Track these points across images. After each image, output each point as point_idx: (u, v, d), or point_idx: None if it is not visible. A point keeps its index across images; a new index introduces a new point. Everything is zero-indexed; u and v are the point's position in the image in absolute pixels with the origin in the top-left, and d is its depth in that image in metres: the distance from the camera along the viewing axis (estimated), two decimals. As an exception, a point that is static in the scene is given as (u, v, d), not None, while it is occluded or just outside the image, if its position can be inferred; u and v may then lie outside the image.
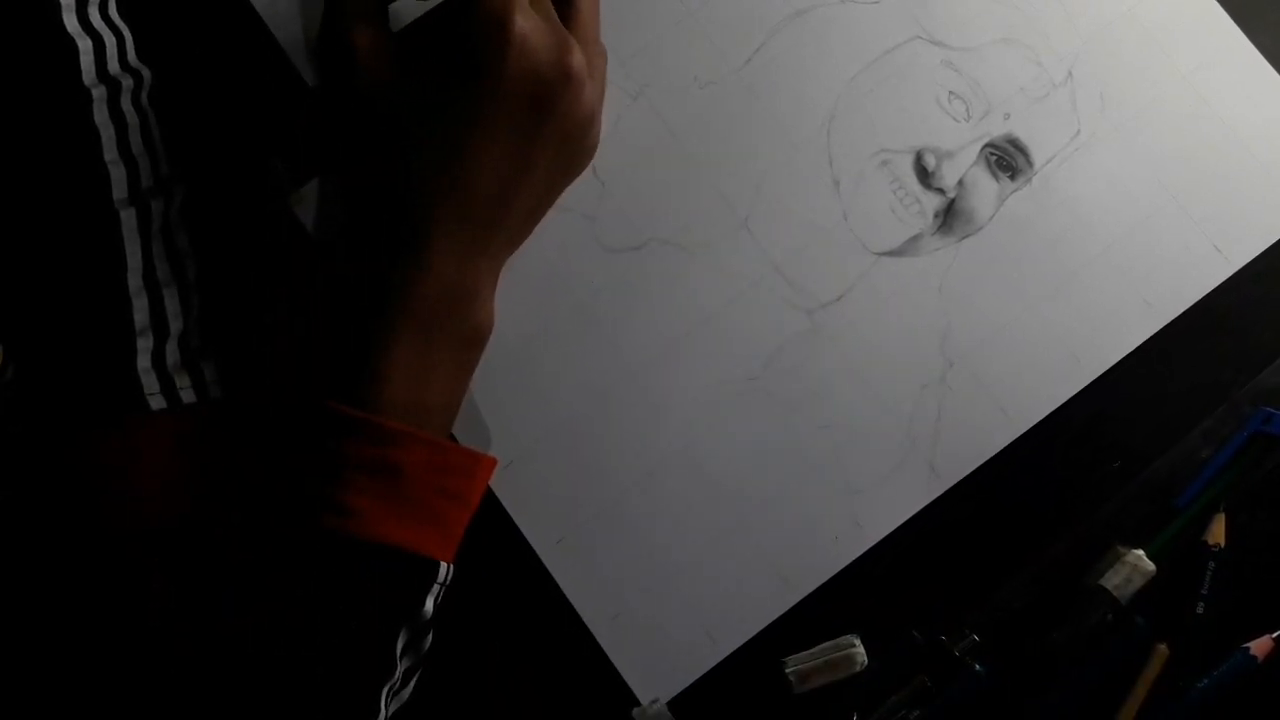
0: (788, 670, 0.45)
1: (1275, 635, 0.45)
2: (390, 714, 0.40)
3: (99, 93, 0.43)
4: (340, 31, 0.44)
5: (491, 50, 0.41)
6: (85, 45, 0.43)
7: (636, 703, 0.45)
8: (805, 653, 0.45)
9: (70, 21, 0.43)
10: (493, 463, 0.43)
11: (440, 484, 0.40)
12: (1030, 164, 0.48)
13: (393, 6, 0.46)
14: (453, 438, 0.44)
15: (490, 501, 0.46)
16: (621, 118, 0.49)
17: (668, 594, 0.45)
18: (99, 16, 0.44)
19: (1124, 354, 0.47)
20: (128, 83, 0.44)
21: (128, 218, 0.42)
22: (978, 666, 0.45)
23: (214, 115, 0.48)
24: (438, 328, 0.41)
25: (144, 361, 0.41)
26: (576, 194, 0.48)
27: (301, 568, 0.38)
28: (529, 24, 0.42)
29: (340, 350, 0.41)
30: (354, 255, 0.43)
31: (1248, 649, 0.45)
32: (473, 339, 0.43)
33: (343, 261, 0.43)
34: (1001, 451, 0.47)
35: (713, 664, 0.45)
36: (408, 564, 0.39)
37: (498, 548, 0.46)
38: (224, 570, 0.39)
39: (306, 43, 0.49)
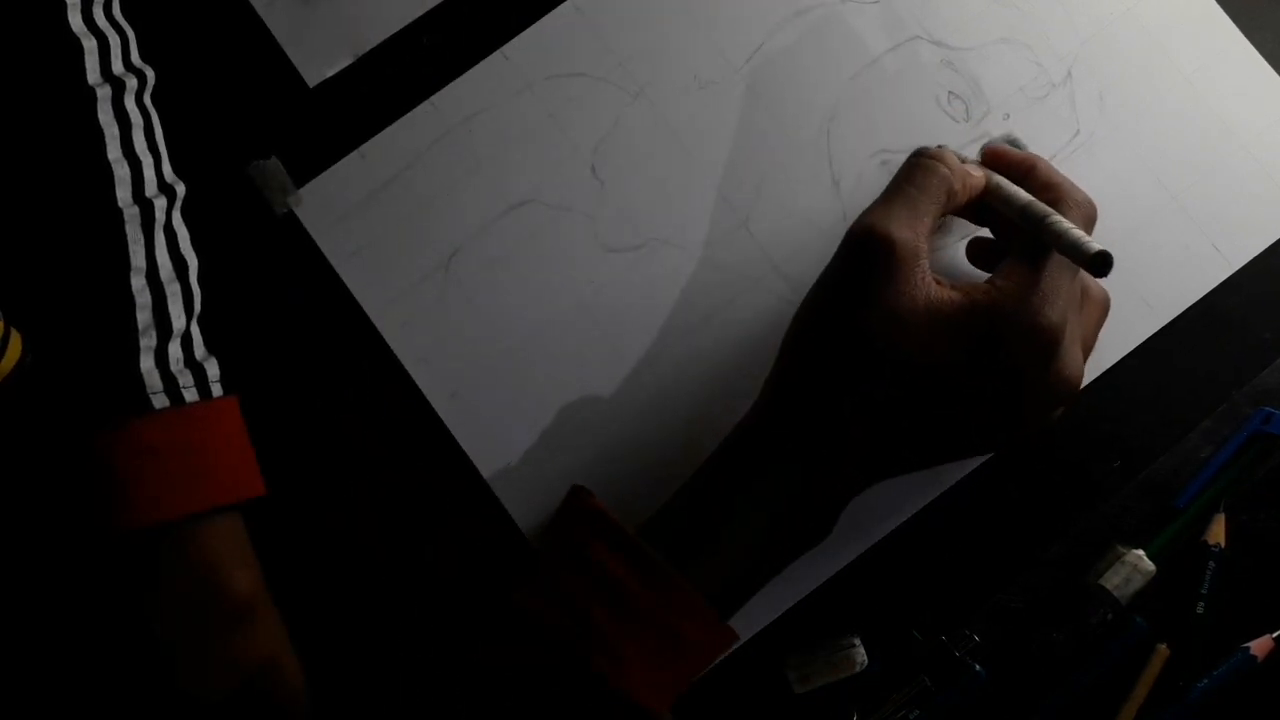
0: (788, 670, 0.45)
1: (1275, 635, 0.45)
2: None
3: (103, 92, 0.43)
4: (881, 223, 0.41)
5: (1031, 366, 0.40)
6: (90, 45, 0.43)
7: None
8: (805, 653, 0.45)
9: (75, 21, 0.43)
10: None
11: (702, 663, 0.41)
12: (1030, 164, 0.48)
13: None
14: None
15: (492, 504, 0.47)
16: (621, 118, 0.49)
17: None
18: (103, 16, 0.44)
19: (1124, 354, 0.47)
20: (131, 82, 0.44)
21: (131, 217, 0.42)
22: (978, 667, 0.45)
23: (214, 115, 0.48)
24: (789, 534, 0.42)
25: (147, 361, 0.41)
26: (576, 194, 0.48)
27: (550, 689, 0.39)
28: (1075, 352, 0.41)
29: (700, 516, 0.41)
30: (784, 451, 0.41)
31: (1248, 649, 0.45)
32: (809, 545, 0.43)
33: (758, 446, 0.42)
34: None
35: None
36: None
37: (500, 551, 0.46)
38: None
39: (308, 51, 0.49)
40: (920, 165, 0.43)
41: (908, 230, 0.40)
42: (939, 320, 0.40)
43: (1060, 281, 0.40)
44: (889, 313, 0.40)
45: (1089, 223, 0.43)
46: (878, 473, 0.42)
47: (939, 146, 0.44)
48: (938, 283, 0.40)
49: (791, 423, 0.41)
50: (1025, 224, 0.42)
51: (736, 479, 0.41)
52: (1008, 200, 0.43)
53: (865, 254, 0.40)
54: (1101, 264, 0.38)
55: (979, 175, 0.44)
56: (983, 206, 0.44)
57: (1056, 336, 0.40)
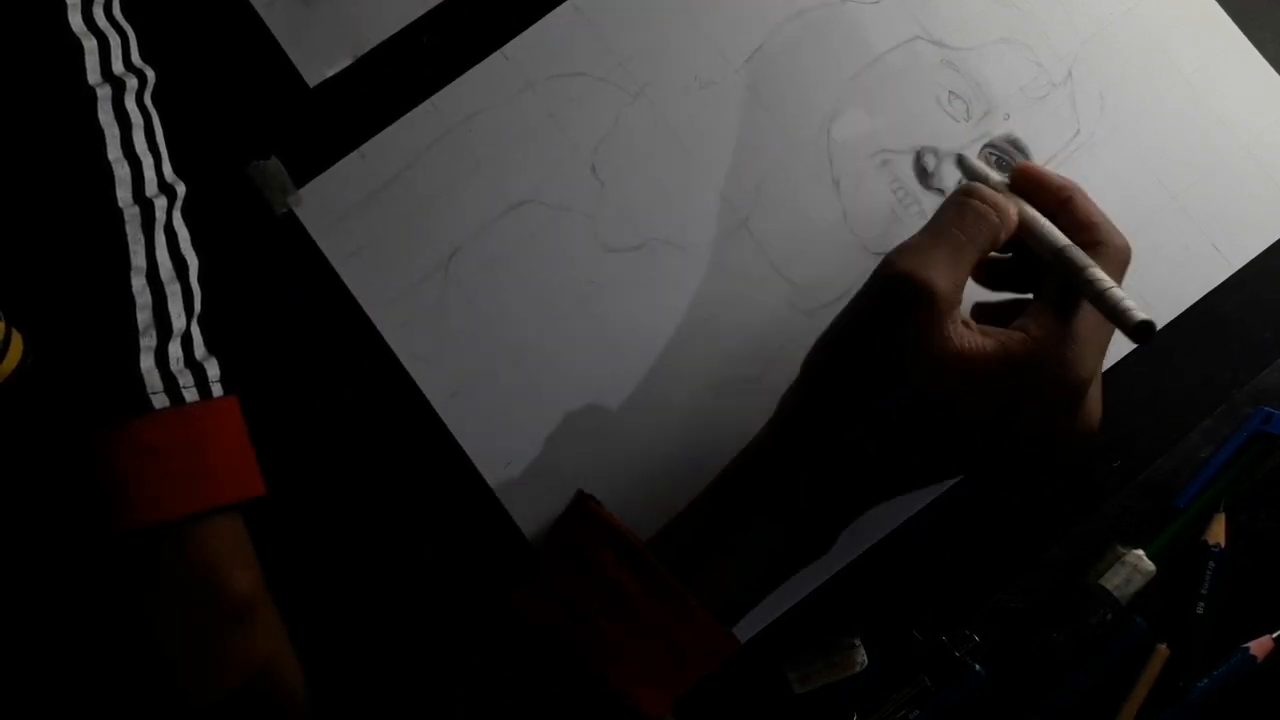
0: (788, 670, 0.45)
1: (1275, 635, 0.45)
2: None
3: (103, 92, 0.43)
4: (922, 270, 0.39)
5: (1061, 419, 0.39)
6: (90, 45, 0.43)
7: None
8: (805, 653, 0.45)
9: (75, 21, 0.43)
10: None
11: (702, 669, 0.40)
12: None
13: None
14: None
15: (492, 504, 0.47)
16: (621, 117, 0.49)
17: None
18: (103, 16, 0.44)
19: (1124, 354, 0.47)
20: (132, 82, 0.44)
21: (131, 217, 0.42)
22: (978, 667, 0.45)
23: (214, 115, 0.48)
24: (796, 551, 0.42)
25: (147, 361, 0.41)
26: (576, 194, 0.48)
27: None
28: (1097, 394, 0.40)
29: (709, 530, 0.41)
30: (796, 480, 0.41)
31: (1248, 649, 0.45)
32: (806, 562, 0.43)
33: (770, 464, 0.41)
34: (1001, 451, 0.47)
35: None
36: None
37: (500, 551, 0.46)
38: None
39: (311, 51, 0.49)
40: (972, 209, 0.41)
41: (950, 280, 0.39)
42: (972, 371, 0.38)
43: (1096, 330, 0.39)
44: (923, 360, 0.38)
45: (1122, 269, 0.41)
46: (889, 497, 0.41)
47: (978, 187, 0.42)
48: (966, 327, 0.39)
49: (808, 451, 0.40)
50: (1059, 270, 0.40)
51: (749, 498, 0.41)
52: (1041, 241, 0.40)
53: (904, 299, 0.39)
54: (1145, 335, 0.36)
55: (1013, 214, 0.41)
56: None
57: (1086, 387, 0.39)
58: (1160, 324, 0.48)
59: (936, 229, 0.41)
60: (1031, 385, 0.38)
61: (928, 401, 0.39)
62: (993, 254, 0.43)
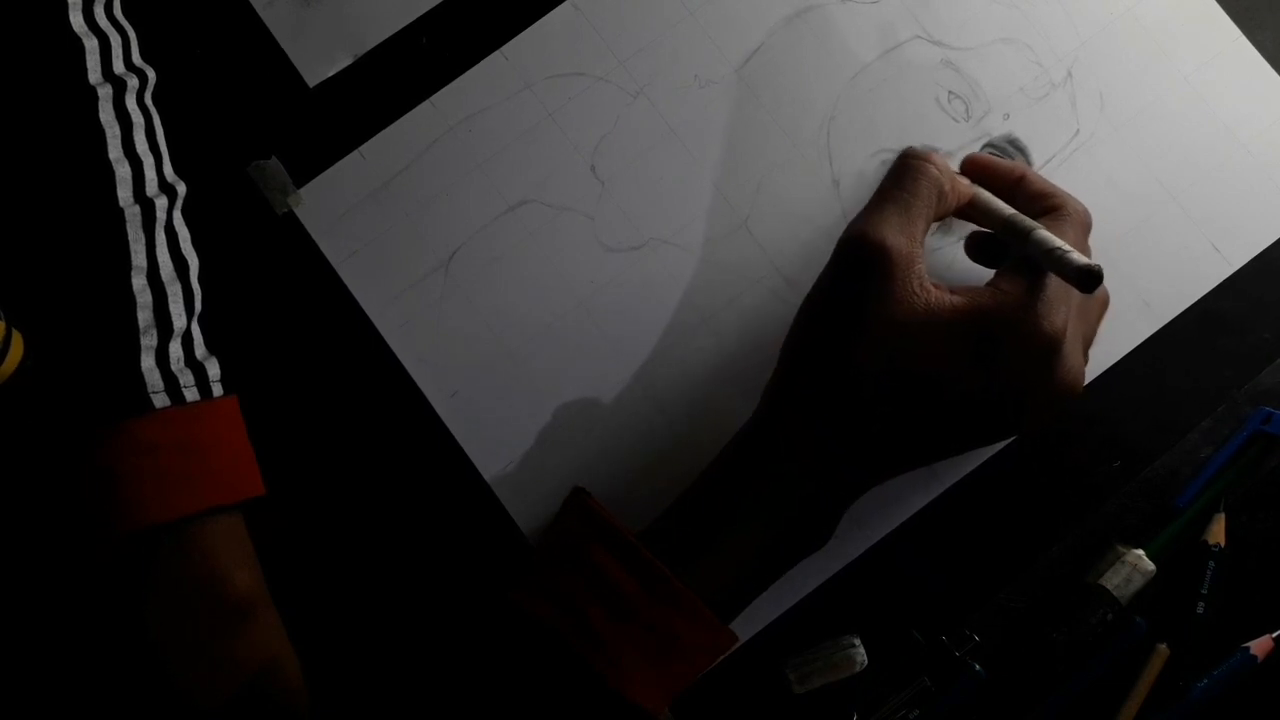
0: (788, 670, 0.45)
1: (1275, 635, 0.45)
2: None
3: (104, 91, 0.43)
4: (874, 230, 0.40)
5: (1033, 371, 0.40)
6: (91, 44, 0.43)
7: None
8: (805, 653, 0.45)
9: (76, 20, 0.43)
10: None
11: (702, 666, 0.41)
12: (1029, 164, 0.48)
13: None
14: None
15: (492, 504, 0.47)
16: (621, 117, 0.49)
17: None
18: (104, 16, 0.44)
19: (1123, 354, 0.47)
20: (132, 82, 0.44)
21: (132, 216, 0.42)
22: (978, 667, 0.45)
23: (214, 115, 0.48)
24: (790, 539, 0.42)
25: (147, 360, 0.41)
26: (576, 194, 0.49)
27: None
28: (1076, 355, 0.41)
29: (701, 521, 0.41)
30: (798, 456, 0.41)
31: (1248, 649, 0.45)
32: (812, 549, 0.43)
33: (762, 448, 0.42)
34: (1001, 451, 0.47)
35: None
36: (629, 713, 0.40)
37: (500, 551, 0.46)
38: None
39: (309, 51, 0.49)
40: (909, 167, 0.42)
41: (901, 236, 0.40)
42: (937, 326, 0.39)
43: (1063, 286, 0.40)
44: (886, 321, 0.39)
45: (1085, 230, 0.42)
46: (879, 476, 0.42)
47: (911, 148, 0.44)
48: (936, 287, 0.40)
49: (791, 431, 0.41)
50: (1009, 238, 0.41)
51: (737, 486, 0.41)
52: (990, 213, 0.42)
53: (859, 262, 0.40)
54: (1088, 278, 0.38)
55: (966, 183, 0.44)
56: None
57: (1058, 341, 0.40)
58: (1160, 324, 0.48)
59: (879, 193, 0.42)
60: (1003, 335, 0.39)
61: (900, 358, 0.39)
62: (983, 229, 0.45)
